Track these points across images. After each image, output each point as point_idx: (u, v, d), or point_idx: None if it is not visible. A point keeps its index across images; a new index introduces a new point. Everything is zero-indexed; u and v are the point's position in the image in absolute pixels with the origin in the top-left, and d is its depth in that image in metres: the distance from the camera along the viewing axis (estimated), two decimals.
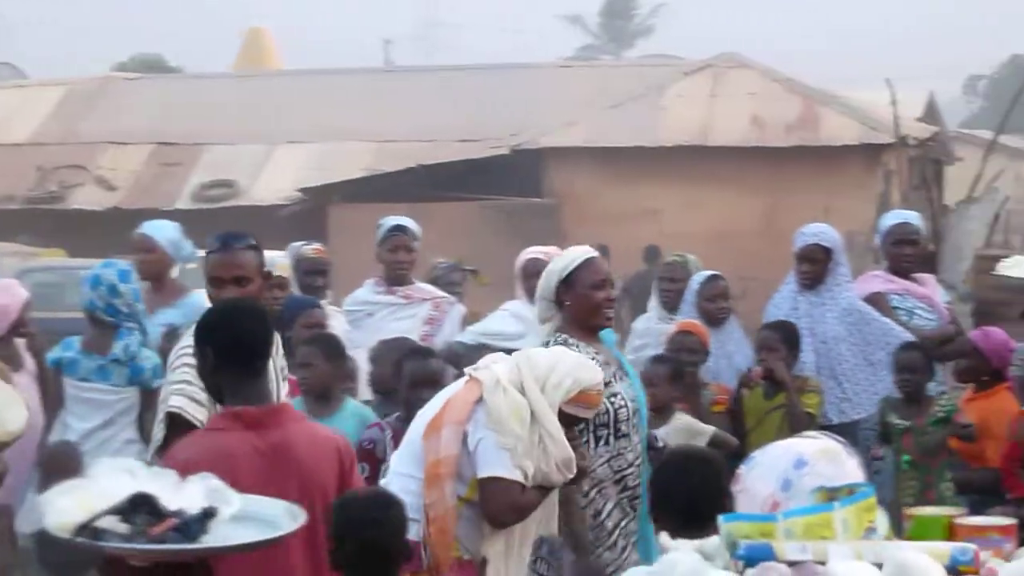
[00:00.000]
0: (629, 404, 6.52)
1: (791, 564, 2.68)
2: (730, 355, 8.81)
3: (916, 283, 9.09)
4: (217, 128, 29.26)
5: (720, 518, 2.85)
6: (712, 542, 2.91)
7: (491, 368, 5.77)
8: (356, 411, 7.71)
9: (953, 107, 69.16)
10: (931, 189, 19.15)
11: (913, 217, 9.43)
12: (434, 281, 10.02)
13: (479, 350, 8.73)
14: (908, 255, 9.10)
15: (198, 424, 5.60)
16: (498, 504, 5.64)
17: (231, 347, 4.87)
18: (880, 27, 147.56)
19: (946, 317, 9.13)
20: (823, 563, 2.76)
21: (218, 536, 3.30)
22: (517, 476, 5.60)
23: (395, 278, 9.50)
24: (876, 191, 22.27)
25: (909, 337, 8.55)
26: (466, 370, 5.91)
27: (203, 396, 5.60)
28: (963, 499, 8.21)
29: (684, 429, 7.85)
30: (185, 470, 3.65)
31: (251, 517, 3.48)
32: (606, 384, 6.23)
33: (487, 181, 25.32)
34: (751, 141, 25.62)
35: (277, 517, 3.56)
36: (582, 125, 26.60)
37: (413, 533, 5.31)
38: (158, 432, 5.89)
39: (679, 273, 9.39)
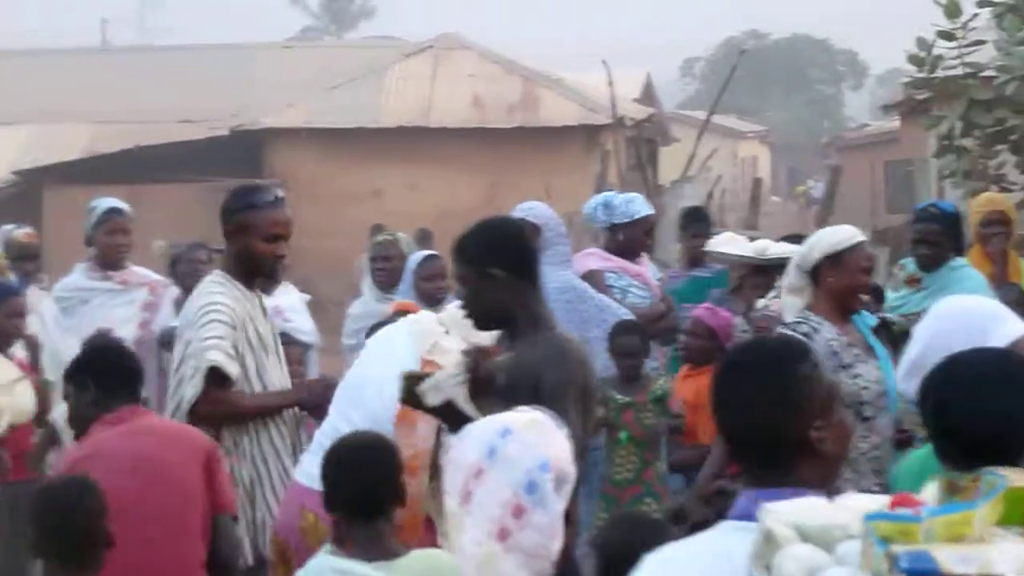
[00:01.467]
0: (872, 386, 6.37)
1: None
2: None
3: (632, 262, 9.22)
4: None
5: (864, 516, 2.75)
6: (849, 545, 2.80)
7: (449, 352, 5.68)
8: None
9: (670, 89, 70.56)
10: (646, 169, 19.54)
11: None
12: (174, 261, 9.81)
13: None
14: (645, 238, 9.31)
15: (233, 379, 5.98)
16: None
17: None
18: (600, 9, 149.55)
19: (658, 295, 9.28)
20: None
21: None
22: None
23: (112, 262, 9.26)
24: (594, 171, 22.61)
25: (625, 314, 8.63)
26: (422, 354, 5.72)
27: (234, 352, 5.96)
28: (677, 477, 8.40)
29: None
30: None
31: None
32: (846, 366, 6.19)
33: (207, 163, 25.02)
34: (472, 122, 25.79)
35: None
36: (303, 106, 26.49)
37: None
38: (192, 387, 5.99)
39: (392, 251, 9.37)
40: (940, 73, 14.93)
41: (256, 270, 6.35)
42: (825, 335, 6.26)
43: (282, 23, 69.75)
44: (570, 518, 3.29)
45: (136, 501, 5.15)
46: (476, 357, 5.15)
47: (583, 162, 24.37)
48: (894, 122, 35.99)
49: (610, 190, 13.04)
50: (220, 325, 6.03)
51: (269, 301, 9.15)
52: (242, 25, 71.50)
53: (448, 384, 4.96)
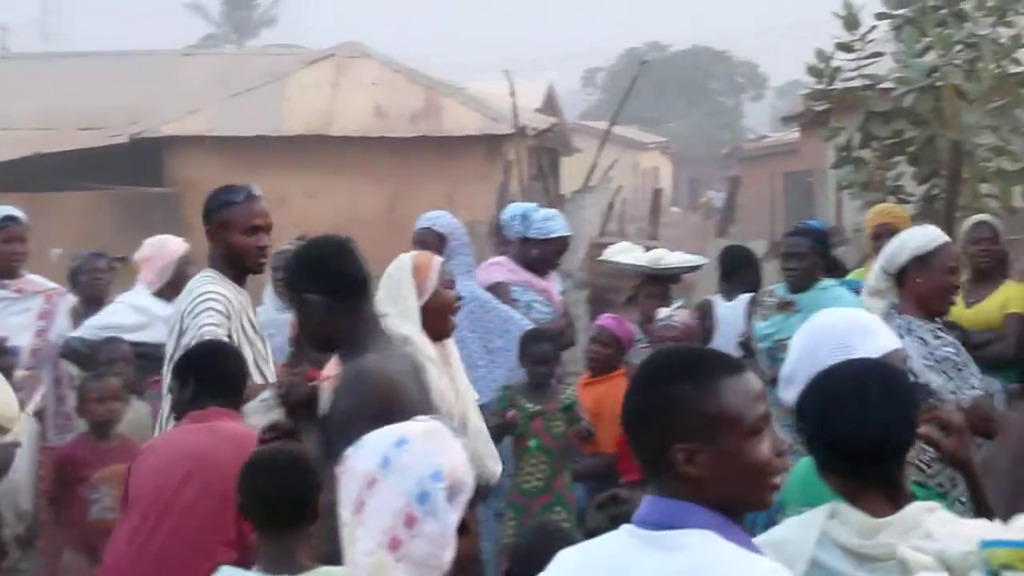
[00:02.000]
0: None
1: None
2: None
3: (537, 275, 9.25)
4: None
5: (978, 543, 2.72)
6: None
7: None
8: None
9: (572, 99, 70.83)
10: (548, 179, 19.57)
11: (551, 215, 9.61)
12: (75, 271, 9.74)
13: (104, 345, 8.56)
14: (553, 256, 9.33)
15: None
16: None
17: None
18: (502, 20, 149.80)
19: (560, 310, 9.33)
20: None
21: None
22: None
23: (8, 270, 9.18)
24: (497, 181, 22.62)
25: (528, 325, 8.67)
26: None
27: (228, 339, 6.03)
28: (579, 486, 8.43)
29: None
30: None
31: None
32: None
33: (107, 170, 24.81)
34: (374, 131, 25.73)
35: None
36: (204, 114, 26.32)
37: None
38: None
39: None
40: (839, 85, 15.10)
41: (241, 264, 6.42)
42: (922, 335, 6.21)
43: (183, 31, 69.35)
44: (468, 527, 3.29)
45: (174, 493, 5.40)
46: (290, 382, 5.19)
47: (486, 172, 24.38)
48: (793, 133, 36.32)
49: (513, 200, 13.08)
50: (215, 313, 6.15)
51: (170, 308, 9.12)
52: (143, 32, 70.92)
53: (257, 410, 5.03)
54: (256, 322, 6.49)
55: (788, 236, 8.35)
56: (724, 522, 3.00)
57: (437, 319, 6.05)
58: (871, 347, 4.26)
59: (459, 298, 6.23)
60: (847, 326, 4.44)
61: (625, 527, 3.06)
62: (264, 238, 6.42)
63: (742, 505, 3.06)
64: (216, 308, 6.17)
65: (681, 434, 3.00)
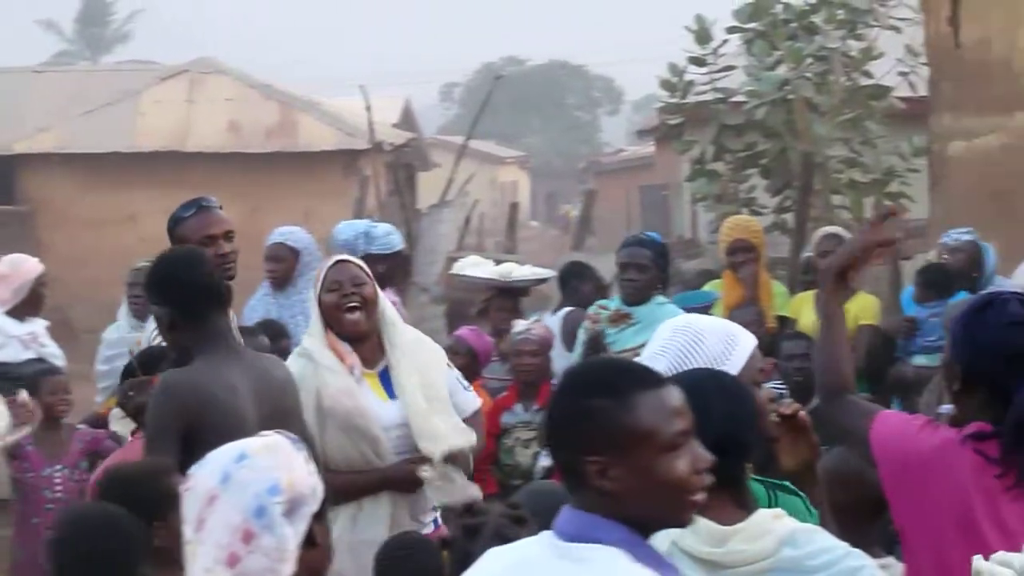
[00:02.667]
0: None
1: None
2: None
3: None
4: None
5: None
6: None
7: None
8: None
9: (430, 114, 70.86)
10: (404, 194, 19.57)
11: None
12: None
13: None
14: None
15: None
16: None
17: None
18: (358, 34, 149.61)
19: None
20: None
21: None
22: None
23: None
24: (353, 196, 22.58)
25: None
26: None
27: None
28: None
29: None
30: None
31: None
32: None
33: None
34: (229, 147, 25.56)
35: None
36: (56, 131, 25.98)
37: None
38: None
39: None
40: (692, 99, 15.25)
41: None
42: None
43: (36, 48, 68.39)
44: (314, 540, 3.26)
45: None
46: (129, 390, 5.16)
47: (342, 187, 24.30)
48: (649, 147, 36.66)
49: (370, 215, 13.04)
50: None
51: (24, 327, 9.01)
52: None
53: (116, 416, 4.99)
54: None
55: (628, 246, 7.93)
56: (635, 540, 3.00)
57: (332, 322, 6.04)
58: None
59: (347, 294, 6.15)
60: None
61: (546, 534, 3.06)
62: (224, 246, 6.22)
63: (659, 522, 3.05)
64: None
65: (594, 447, 2.98)
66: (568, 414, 3.04)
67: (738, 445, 3.51)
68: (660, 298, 7.85)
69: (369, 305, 6.04)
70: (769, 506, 3.89)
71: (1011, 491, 3.88)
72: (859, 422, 4.17)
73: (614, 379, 3.04)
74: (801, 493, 3.98)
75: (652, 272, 7.78)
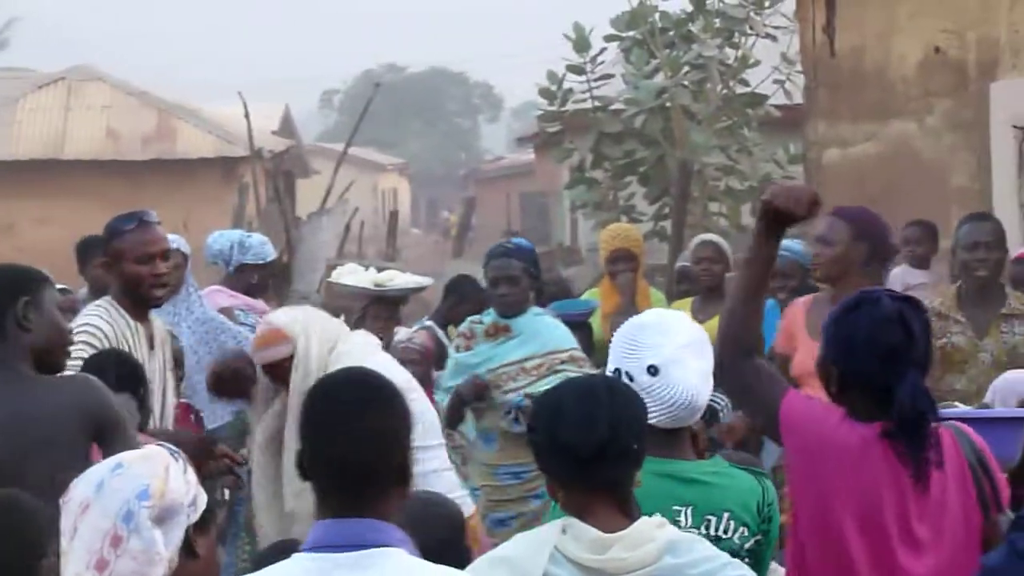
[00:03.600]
0: None
1: None
2: None
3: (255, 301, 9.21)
4: None
5: None
6: None
7: None
8: None
9: (309, 121, 70.63)
10: (284, 201, 19.47)
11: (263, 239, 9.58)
12: None
13: None
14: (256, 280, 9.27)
15: None
16: None
17: None
18: (237, 40, 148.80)
19: None
20: None
21: None
22: None
23: None
24: (232, 203, 22.47)
25: None
26: None
27: None
28: None
29: None
30: None
31: None
32: None
33: None
34: (107, 154, 25.35)
35: None
36: None
37: None
38: None
39: None
40: (571, 106, 15.31)
41: (136, 294, 6.19)
42: None
43: None
44: (195, 551, 3.26)
45: None
46: None
47: (221, 194, 24.19)
48: (529, 154, 36.76)
49: (249, 222, 12.98)
50: (84, 345, 5.88)
51: None
52: None
53: None
54: (164, 353, 6.32)
55: (496, 258, 7.59)
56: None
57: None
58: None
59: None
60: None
61: (299, 555, 3.17)
62: (160, 266, 6.14)
63: None
64: (85, 340, 5.99)
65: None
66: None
67: (622, 451, 3.53)
68: (535, 308, 7.72)
69: None
70: (762, 495, 4.01)
71: (916, 487, 3.94)
72: (769, 390, 4.18)
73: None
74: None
75: (524, 282, 7.55)
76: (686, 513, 3.96)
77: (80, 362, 5.79)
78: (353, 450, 3.14)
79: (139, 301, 6.26)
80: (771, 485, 4.09)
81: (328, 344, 6.08)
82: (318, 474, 3.19)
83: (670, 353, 4.02)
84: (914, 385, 3.94)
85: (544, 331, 7.50)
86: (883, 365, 3.97)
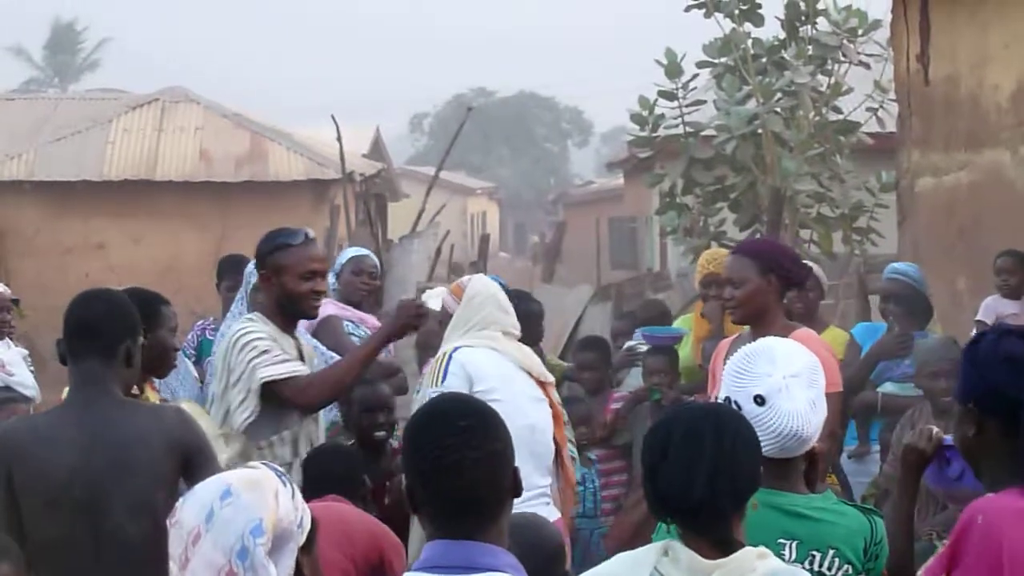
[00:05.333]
0: None
1: None
2: (174, 390, 8.72)
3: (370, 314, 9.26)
4: None
5: None
6: None
7: None
8: None
9: (400, 144, 70.91)
10: (375, 224, 19.55)
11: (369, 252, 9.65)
12: None
13: None
14: (364, 285, 9.27)
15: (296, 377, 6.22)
16: None
17: None
18: (329, 64, 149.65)
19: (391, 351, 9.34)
20: None
21: None
22: None
23: None
24: (323, 226, 22.58)
25: (333, 357, 8.66)
26: None
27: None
28: None
29: None
30: None
31: None
32: None
33: None
34: (199, 176, 25.55)
35: None
36: (25, 159, 25.93)
37: None
38: (243, 412, 6.12)
39: None
40: (662, 132, 15.26)
41: (294, 310, 6.31)
42: None
43: (4, 75, 68.22)
44: (302, 573, 3.27)
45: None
46: None
47: (312, 217, 24.30)
48: (618, 179, 36.71)
49: (340, 245, 13.06)
50: (260, 342, 6.10)
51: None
52: None
53: None
54: (312, 368, 6.42)
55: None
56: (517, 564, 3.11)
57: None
58: None
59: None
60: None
61: (410, 574, 3.15)
62: (321, 283, 6.28)
63: None
64: (255, 343, 6.11)
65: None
66: None
67: (720, 507, 3.47)
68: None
69: None
70: (871, 532, 3.98)
71: None
72: None
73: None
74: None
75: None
76: (791, 547, 3.92)
77: (262, 357, 6.08)
78: (467, 479, 3.12)
79: (294, 316, 6.32)
80: (881, 523, 4.03)
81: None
82: (430, 504, 3.18)
83: (777, 382, 3.98)
84: None
85: None
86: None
